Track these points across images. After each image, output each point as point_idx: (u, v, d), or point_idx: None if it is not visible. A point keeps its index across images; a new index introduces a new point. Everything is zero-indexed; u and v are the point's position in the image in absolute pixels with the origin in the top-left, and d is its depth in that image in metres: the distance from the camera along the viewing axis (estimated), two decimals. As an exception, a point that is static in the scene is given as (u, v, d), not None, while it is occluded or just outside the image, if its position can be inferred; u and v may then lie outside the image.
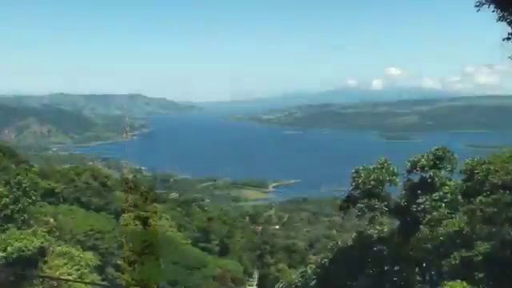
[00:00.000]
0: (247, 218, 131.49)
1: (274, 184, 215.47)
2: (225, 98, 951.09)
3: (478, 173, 14.99)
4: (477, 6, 8.29)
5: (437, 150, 16.99)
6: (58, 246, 17.03)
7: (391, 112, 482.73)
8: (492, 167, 14.57)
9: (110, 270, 28.44)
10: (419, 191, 16.72)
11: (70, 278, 16.59)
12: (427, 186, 16.82)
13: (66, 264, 16.07)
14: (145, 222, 47.42)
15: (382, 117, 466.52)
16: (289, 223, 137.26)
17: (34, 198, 18.62)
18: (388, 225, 18.21)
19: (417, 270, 15.22)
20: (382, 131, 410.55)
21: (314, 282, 20.35)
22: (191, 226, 58.78)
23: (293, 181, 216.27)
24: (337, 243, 20.70)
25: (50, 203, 38.82)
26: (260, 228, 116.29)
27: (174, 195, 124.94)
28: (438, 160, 17.02)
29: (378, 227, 17.73)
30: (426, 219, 15.49)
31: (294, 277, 31.75)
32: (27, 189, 18.22)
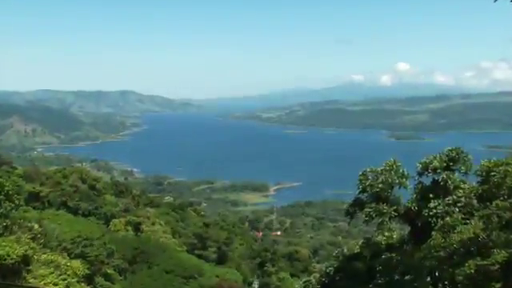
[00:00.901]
0: (247, 224, 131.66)
1: (275, 187, 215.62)
2: (223, 95, 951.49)
3: (495, 175, 14.89)
4: (494, -3, 8.19)
5: (450, 150, 16.90)
6: (43, 253, 16.92)
7: (401, 110, 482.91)
8: (510, 169, 14.49)
9: (100, 280, 28.38)
10: (431, 195, 16.62)
11: (55, 288, 16.58)
12: (440, 190, 16.72)
13: (51, 273, 15.98)
14: (137, 227, 47.49)
15: (391, 115, 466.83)
16: (291, 229, 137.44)
17: (17, 202, 18.52)
18: (397, 231, 18.13)
19: (428, 279, 15.15)
20: (391, 130, 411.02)
21: (317, 293, 20.28)
22: (187, 231, 58.78)
23: (295, 183, 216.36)
24: (342, 250, 20.64)
25: (34, 208, 38.76)
26: (260, 234, 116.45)
27: (168, 199, 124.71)
28: (452, 161, 16.92)
29: (386, 233, 17.65)
30: (439, 225, 15.39)
31: (296, 286, 31.72)
32: (10, 192, 18.11)
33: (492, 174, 14.85)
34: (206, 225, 62.65)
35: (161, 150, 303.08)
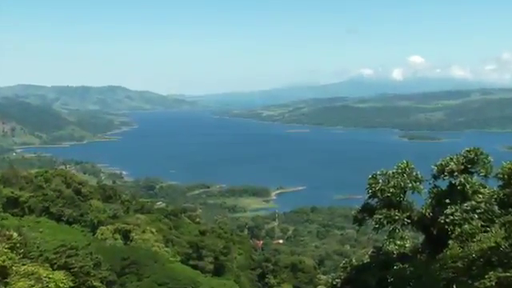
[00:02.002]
0: (246, 231, 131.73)
1: (277, 191, 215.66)
2: (220, 91, 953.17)
3: (518, 178, 14.87)
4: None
5: (468, 151, 16.87)
6: (23, 264, 16.89)
7: (414, 107, 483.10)
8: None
9: (85, 293, 28.35)
10: (447, 200, 16.59)
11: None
12: (457, 194, 16.69)
13: (31, 286, 15.96)
14: (126, 235, 47.48)
15: (404, 113, 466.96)
16: (294, 237, 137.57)
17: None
18: (411, 239, 18.10)
19: (445, 292, 15.08)
20: (404, 130, 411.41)
21: (323, 307, 20.22)
22: (180, 240, 58.77)
23: (299, 187, 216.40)
24: (351, 261, 20.61)
25: (13, 214, 38.81)
26: (261, 243, 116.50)
27: (160, 204, 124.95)
28: (470, 163, 16.87)
29: (398, 242, 17.61)
30: (456, 233, 15.36)
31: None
32: (-14, 198, 18.14)
33: (514, 177, 14.83)
34: (202, 232, 62.65)
35: (152, 151, 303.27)
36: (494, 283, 12.46)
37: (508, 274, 12.32)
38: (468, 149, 16.78)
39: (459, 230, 15.26)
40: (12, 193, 43.53)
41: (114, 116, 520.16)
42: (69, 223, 45.53)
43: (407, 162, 17.32)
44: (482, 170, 16.64)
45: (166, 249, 50.41)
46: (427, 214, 16.82)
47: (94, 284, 30.86)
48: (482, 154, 16.73)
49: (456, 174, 16.59)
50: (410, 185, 17.14)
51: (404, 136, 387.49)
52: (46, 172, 55.36)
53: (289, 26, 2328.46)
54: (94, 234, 45.10)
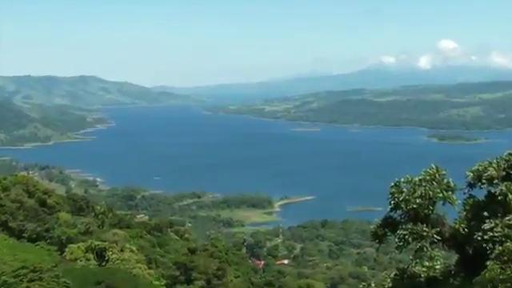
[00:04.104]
0: (244, 249, 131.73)
1: (281, 202, 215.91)
2: (214, 82, 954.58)
3: None
4: None
5: (510, 154, 16.85)
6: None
7: (445, 101, 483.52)
8: None
9: (51, 324, 28.32)
10: (486, 213, 16.54)
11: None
12: (497, 206, 16.63)
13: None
14: (100, 255, 47.41)
15: (432, 108, 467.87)
16: (302, 256, 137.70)
17: None
18: (441, 260, 18.04)
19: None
20: (433, 128, 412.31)
21: None
22: (166, 260, 58.78)
23: (307, 197, 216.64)
24: (369, 285, 20.54)
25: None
26: (262, 263, 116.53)
27: (142, 217, 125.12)
28: (513, 169, 16.86)
29: (427, 263, 17.55)
30: (496, 252, 15.30)
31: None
32: None
33: None
34: (192, 251, 62.62)
35: (132, 154, 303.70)
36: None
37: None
38: (511, 151, 16.74)
39: (500, 248, 15.20)
40: (-37, 204, 43.52)
41: (87, 112, 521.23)
42: (31, 240, 45.42)
43: (437, 168, 17.25)
44: (527, 177, 16.62)
45: (149, 271, 50.30)
46: (461, 230, 16.75)
47: (62, 313, 30.83)
48: (527, 157, 16.70)
49: (496, 181, 16.54)
50: (441, 194, 17.06)
51: (433, 136, 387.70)
52: (5, 179, 55.24)
53: (294, 8, 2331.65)
54: (61, 254, 44.98)
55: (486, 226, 16.35)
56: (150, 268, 51.98)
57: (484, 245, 16.34)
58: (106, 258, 46.60)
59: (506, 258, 14.96)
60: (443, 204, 17.62)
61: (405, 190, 17.67)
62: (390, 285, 20.27)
